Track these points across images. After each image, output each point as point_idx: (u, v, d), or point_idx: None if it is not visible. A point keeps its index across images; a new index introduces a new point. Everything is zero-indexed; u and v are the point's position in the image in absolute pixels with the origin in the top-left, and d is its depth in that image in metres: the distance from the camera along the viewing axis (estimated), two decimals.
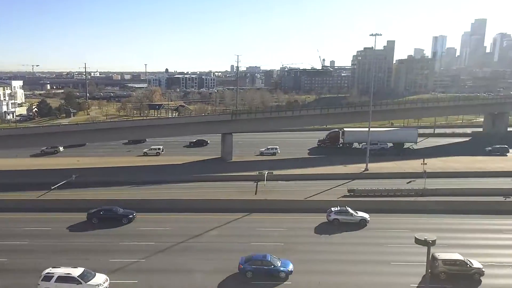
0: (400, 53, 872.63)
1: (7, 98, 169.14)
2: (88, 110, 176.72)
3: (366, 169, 73.85)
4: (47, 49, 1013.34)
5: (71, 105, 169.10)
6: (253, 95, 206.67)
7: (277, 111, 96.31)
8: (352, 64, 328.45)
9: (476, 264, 35.60)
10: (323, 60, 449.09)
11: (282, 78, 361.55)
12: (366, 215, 48.93)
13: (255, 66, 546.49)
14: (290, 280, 35.22)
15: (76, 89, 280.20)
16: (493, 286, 34.44)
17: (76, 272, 33.70)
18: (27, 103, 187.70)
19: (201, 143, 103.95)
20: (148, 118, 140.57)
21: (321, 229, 47.24)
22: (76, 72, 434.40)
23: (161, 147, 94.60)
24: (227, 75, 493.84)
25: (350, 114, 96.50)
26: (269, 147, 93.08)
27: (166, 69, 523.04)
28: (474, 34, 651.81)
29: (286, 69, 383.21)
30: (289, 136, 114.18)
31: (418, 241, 26.00)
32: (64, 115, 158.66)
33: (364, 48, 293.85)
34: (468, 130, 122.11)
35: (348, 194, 59.75)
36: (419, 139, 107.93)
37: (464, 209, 52.11)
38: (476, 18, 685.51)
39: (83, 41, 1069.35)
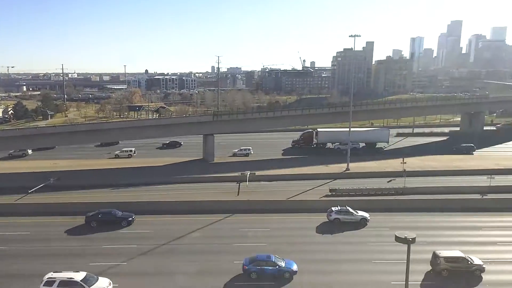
0: (379, 54, 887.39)
1: None
2: (66, 112, 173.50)
3: (347, 169, 74.53)
4: (22, 50, 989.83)
5: (48, 107, 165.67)
6: (235, 96, 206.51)
7: (259, 112, 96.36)
8: (332, 65, 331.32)
9: (476, 260, 36.27)
10: (304, 61, 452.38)
11: (263, 79, 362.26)
12: (366, 214, 49.43)
13: (236, 67, 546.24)
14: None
15: (53, 91, 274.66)
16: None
17: (79, 276, 33.01)
18: (2, 105, 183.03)
19: (174, 145, 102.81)
20: (128, 119, 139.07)
21: (322, 229, 47.41)
22: (53, 73, 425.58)
23: (133, 149, 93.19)
24: (208, 76, 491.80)
25: (331, 115, 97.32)
26: (242, 148, 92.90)
27: (146, 70, 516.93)
28: (450, 35, 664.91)
29: (267, 70, 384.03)
30: (263, 137, 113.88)
31: (398, 239, 26.17)
32: (41, 117, 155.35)
33: (344, 49, 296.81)
34: (446, 130, 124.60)
35: (330, 193, 60.14)
36: (398, 139, 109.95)
37: (443, 207, 53.13)
38: (452, 20, 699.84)
39: (60, 42, 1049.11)
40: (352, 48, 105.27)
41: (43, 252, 41.68)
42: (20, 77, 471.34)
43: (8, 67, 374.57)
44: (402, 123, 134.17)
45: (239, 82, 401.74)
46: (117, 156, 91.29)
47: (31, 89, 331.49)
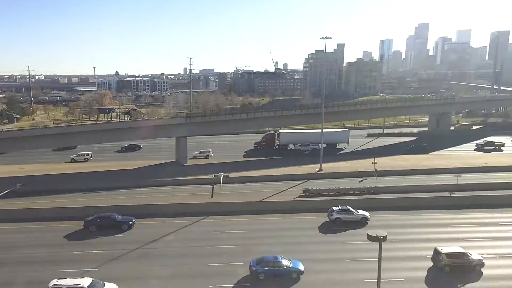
0: (350, 56, 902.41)
1: None
2: (33, 115, 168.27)
3: (320, 169, 75.34)
4: None
5: (14, 110, 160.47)
6: (207, 98, 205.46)
7: (232, 113, 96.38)
8: (304, 67, 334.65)
9: (476, 256, 37.18)
10: (276, 62, 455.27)
11: (236, 81, 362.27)
12: (366, 213, 49.90)
13: (209, 69, 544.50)
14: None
15: (19, 93, 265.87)
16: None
17: (85, 282, 32.19)
18: None
19: (133, 148, 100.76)
20: (98, 122, 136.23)
21: (324, 228, 47.69)
22: (19, 75, 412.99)
23: (89, 153, 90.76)
24: (180, 78, 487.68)
25: (304, 116, 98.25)
26: (202, 150, 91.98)
27: (116, 72, 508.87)
28: (418, 38, 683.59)
29: (240, 71, 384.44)
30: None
31: (370, 238, 26.49)
32: (7, 120, 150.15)
33: (315, 51, 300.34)
34: (415, 130, 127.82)
35: (303, 194, 60.61)
36: (369, 139, 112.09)
37: (413, 205, 54.39)
38: (420, 23, 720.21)
39: (26, 43, 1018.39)
40: (323, 50, 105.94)
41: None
42: None
43: None
44: (372, 124, 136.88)
45: (212, 84, 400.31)
46: (73, 160, 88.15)
47: None
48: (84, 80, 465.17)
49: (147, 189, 66.27)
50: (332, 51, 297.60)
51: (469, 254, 37.08)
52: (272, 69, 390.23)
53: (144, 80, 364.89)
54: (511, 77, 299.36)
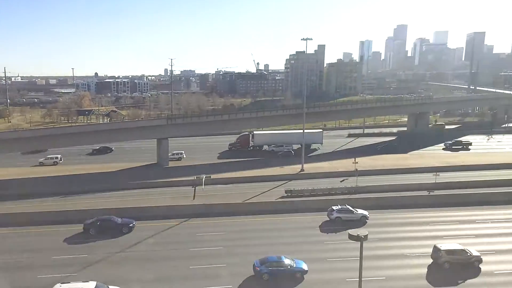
0: (330, 57, 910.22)
1: None
2: (9, 118, 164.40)
3: (302, 170, 75.79)
4: None
5: None
6: (189, 99, 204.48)
7: (214, 114, 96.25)
8: (285, 68, 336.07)
9: (474, 252, 37.89)
10: (258, 63, 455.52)
11: (218, 82, 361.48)
12: (365, 212, 50.31)
13: (190, 70, 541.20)
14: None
15: None
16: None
17: (89, 286, 31.61)
18: None
19: (104, 151, 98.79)
20: (77, 124, 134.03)
21: (325, 227, 47.92)
22: None
23: (59, 156, 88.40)
24: (161, 79, 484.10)
25: (285, 117, 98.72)
26: (174, 152, 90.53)
27: (96, 73, 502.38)
28: (396, 39, 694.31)
29: (221, 72, 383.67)
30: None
31: (351, 237, 26.76)
32: None
33: (296, 52, 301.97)
34: (394, 130, 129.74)
35: (285, 195, 60.86)
36: (350, 139, 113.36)
37: (393, 204, 55.20)
38: (398, 24, 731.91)
39: (1, 44, 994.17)
40: (304, 51, 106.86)
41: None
42: None
43: None
44: (353, 124, 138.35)
45: (193, 85, 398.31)
46: (41, 164, 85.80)
47: None
48: (63, 81, 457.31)
49: (128, 191, 65.47)
50: (313, 52, 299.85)
51: (467, 250, 37.89)
52: (253, 70, 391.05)
53: (124, 81, 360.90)
54: (486, 78, 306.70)
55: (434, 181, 62.88)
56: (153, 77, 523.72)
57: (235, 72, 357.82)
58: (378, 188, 62.58)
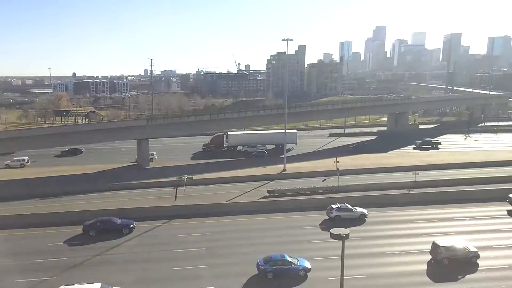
0: (311, 58, 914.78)
1: None
2: None
3: (284, 170, 75.90)
4: None
5: None
6: (170, 99, 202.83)
7: (195, 115, 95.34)
8: (266, 68, 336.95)
9: (472, 248, 38.41)
10: (239, 64, 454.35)
11: (199, 82, 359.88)
12: (364, 210, 50.67)
13: (170, 70, 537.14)
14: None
15: None
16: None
17: None
18: None
19: (74, 152, 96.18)
20: (55, 125, 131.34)
21: (326, 226, 47.84)
22: None
23: (26, 158, 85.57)
24: (141, 79, 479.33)
25: (267, 117, 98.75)
26: (150, 153, 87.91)
27: (74, 74, 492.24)
28: (375, 40, 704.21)
29: (202, 73, 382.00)
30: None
31: (333, 236, 26.78)
32: None
33: (277, 52, 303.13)
34: (375, 129, 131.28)
35: (268, 194, 60.81)
36: (331, 139, 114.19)
37: (374, 202, 55.64)
38: (377, 25, 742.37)
39: None
40: (285, 52, 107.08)
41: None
42: None
43: None
44: (334, 124, 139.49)
45: (174, 85, 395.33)
46: (7, 166, 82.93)
47: None
48: (39, 81, 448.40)
49: (109, 193, 64.26)
50: (293, 52, 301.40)
51: (465, 246, 38.47)
52: (234, 70, 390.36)
53: (103, 81, 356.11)
54: (463, 78, 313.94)
55: (414, 180, 63.73)
56: (132, 77, 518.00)
57: (216, 72, 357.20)
58: (359, 187, 63.09)
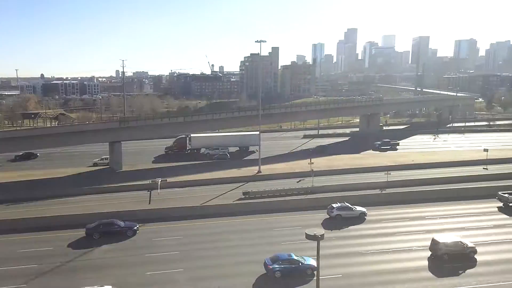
0: (284, 60, 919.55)
1: None
2: None
3: (259, 171, 76.00)
4: None
5: None
6: (142, 101, 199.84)
7: (169, 117, 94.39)
8: (240, 70, 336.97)
9: (469, 244, 39.47)
10: (213, 65, 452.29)
11: (172, 84, 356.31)
12: (364, 209, 51.31)
13: (143, 71, 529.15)
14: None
15: None
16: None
17: None
18: None
19: (28, 157, 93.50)
20: (23, 128, 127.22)
21: (328, 225, 48.72)
22: None
23: None
24: (113, 81, 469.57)
25: (241, 118, 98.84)
26: (103, 157, 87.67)
27: (42, 75, 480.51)
28: (347, 42, 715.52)
29: (176, 74, 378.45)
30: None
31: (308, 236, 26.87)
32: None
33: (251, 54, 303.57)
34: (347, 130, 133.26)
35: (243, 196, 60.71)
36: (305, 140, 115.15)
37: (348, 202, 56.22)
38: (348, 28, 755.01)
39: None
40: (259, 53, 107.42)
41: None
42: None
43: None
44: (308, 125, 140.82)
45: (146, 86, 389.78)
46: None
47: None
48: (6, 83, 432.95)
49: (80, 197, 62.79)
50: (267, 54, 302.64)
51: (463, 242, 39.54)
52: (208, 72, 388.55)
53: (73, 83, 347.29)
54: (431, 80, 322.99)
55: (386, 180, 64.99)
56: (103, 79, 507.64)
57: (190, 74, 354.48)
58: (333, 188, 63.71)
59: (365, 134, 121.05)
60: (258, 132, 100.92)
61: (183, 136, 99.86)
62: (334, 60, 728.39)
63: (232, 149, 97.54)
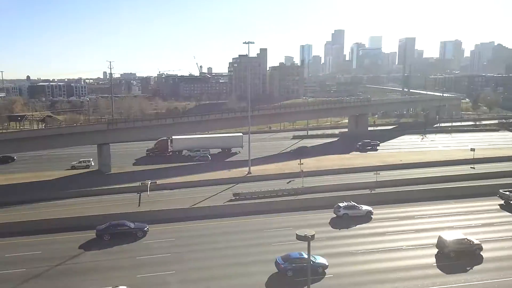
0: (273, 61, 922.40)
1: None
2: None
3: (249, 173, 75.99)
4: None
5: None
6: (130, 102, 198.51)
7: (158, 118, 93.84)
8: (229, 71, 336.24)
9: (475, 241, 40.00)
10: (201, 67, 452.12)
11: (160, 85, 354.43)
12: (370, 208, 51.79)
13: (131, 73, 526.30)
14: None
15: None
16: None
17: None
18: None
19: (5, 160, 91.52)
20: (9, 131, 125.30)
21: (337, 224, 49.40)
22: None
23: None
24: (100, 82, 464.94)
25: (231, 120, 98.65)
26: (81, 159, 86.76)
27: (28, 77, 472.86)
28: (334, 44, 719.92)
29: (164, 76, 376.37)
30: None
31: (299, 237, 26.87)
32: None
33: (239, 55, 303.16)
34: (336, 131, 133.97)
35: (233, 198, 60.65)
36: (295, 141, 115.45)
37: (337, 203, 56.54)
38: (336, 29, 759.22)
39: None
40: (247, 55, 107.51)
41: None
42: None
43: None
44: (297, 126, 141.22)
45: (134, 88, 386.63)
46: None
47: None
48: None
49: (70, 200, 62.02)
50: (255, 55, 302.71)
51: (469, 239, 40.10)
52: (197, 73, 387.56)
53: (60, 85, 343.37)
54: (418, 81, 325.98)
55: (375, 180, 65.49)
56: (91, 81, 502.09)
57: (178, 75, 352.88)
58: (323, 188, 63.96)
59: (353, 135, 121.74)
60: (241, 134, 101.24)
61: (165, 138, 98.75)
62: (322, 61, 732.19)
63: (215, 151, 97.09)
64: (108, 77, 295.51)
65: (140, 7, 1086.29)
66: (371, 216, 51.73)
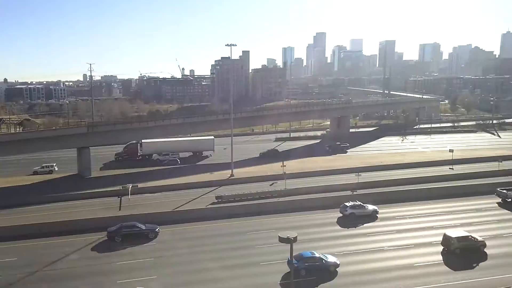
0: (255, 63, 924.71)
1: None
2: None
3: (232, 175, 75.72)
4: None
5: None
6: (111, 105, 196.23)
7: (139, 121, 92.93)
8: (211, 73, 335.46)
9: (479, 238, 40.74)
10: (183, 69, 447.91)
11: (142, 88, 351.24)
12: (375, 207, 52.29)
13: (111, 75, 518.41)
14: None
15: None
16: (498, 255, 40.02)
17: None
18: None
19: None
20: None
21: (344, 223, 50.25)
22: None
23: None
24: (80, 85, 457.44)
25: (213, 122, 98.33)
26: (44, 164, 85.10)
27: (5, 79, 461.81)
28: (316, 46, 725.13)
29: (145, 78, 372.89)
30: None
31: (281, 239, 26.79)
32: None
33: (222, 57, 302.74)
34: (319, 133, 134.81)
35: (216, 201, 60.30)
36: (278, 143, 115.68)
37: (322, 204, 56.85)
38: (317, 32, 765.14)
39: None
40: (229, 57, 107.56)
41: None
42: None
43: None
44: (280, 128, 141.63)
45: (115, 91, 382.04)
46: None
47: None
48: None
49: (48, 205, 60.59)
50: (238, 57, 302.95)
51: (473, 236, 40.93)
52: (179, 76, 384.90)
53: (38, 87, 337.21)
54: (398, 83, 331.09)
55: (357, 181, 66.04)
56: (70, 83, 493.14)
57: (160, 77, 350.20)
58: (305, 190, 64.00)
59: (335, 136, 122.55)
60: (212, 137, 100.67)
61: (134, 142, 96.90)
62: (304, 63, 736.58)
63: (186, 154, 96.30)
64: (88, 79, 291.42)
65: (121, 9, 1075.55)
66: (377, 215, 52.35)
